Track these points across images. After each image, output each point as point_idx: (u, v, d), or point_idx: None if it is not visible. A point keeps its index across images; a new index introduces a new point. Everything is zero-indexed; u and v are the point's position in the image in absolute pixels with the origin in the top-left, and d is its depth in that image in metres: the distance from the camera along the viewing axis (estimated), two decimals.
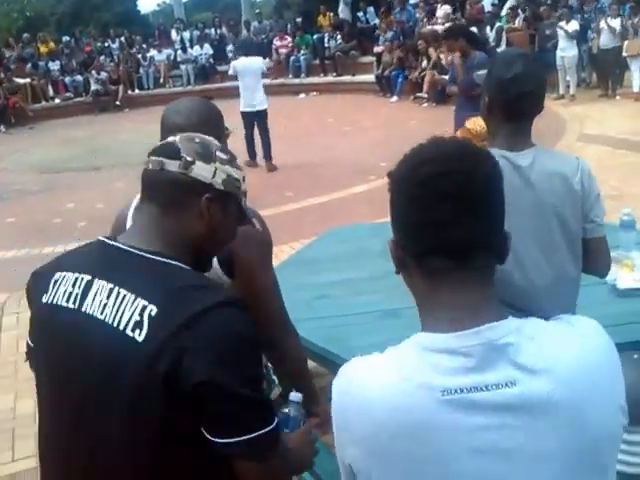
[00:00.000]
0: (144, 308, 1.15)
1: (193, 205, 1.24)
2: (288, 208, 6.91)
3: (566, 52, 11.36)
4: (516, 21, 13.63)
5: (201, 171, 1.25)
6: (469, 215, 0.93)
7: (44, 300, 1.26)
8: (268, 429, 1.16)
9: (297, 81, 16.50)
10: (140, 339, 1.13)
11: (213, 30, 18.83)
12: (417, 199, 0.95)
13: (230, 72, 9.02)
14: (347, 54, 16.16)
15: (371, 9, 16.81)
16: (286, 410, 1.51)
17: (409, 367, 0.92)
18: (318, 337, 2.49)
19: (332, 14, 17.34)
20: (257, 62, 8.71)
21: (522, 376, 0.89)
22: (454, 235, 0.93)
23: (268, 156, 8.65)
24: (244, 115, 8.54)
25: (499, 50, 13.10)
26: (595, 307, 1.82)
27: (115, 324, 1.17)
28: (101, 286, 1.21)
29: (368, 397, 0.93)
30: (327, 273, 3.18)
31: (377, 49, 15.05)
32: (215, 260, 1.57)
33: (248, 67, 8.46)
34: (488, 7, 14.70)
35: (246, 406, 1.14)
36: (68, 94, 16.32)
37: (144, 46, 17.87)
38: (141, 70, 17.16)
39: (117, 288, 1.19)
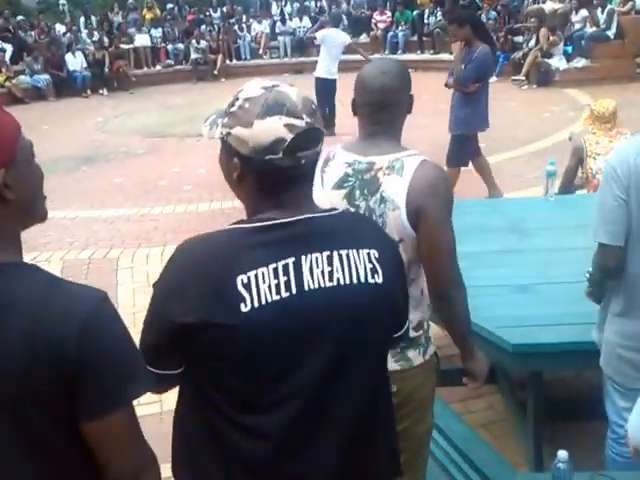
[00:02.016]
0: (369, 255, 1.25)
1: None
2: None
3: None
4: (626, 5, 13.02)
5: None
6: None
7: (244, 310, 1.16)
8: None
9: (393, 57, 16.29)
10: (380, 281, 1.25)
11: (313, 3, 18.85)
12: None
13: (318, 39, 9.37)
14: (446, 31, 15.78)
15: None
16: None
17: None
18: None
19: None
20: (344, 35, 9.45)
21: None
22: None
23: (334, 122, 8.89)
24: (322, 81, 8.95)
25: (608, 33, 12.56)
26: None
27: (355, 281, 1.24)
28: (314, 258, 1.21)
29: None
30: None
31: None
32: (403, 210, 1.63)
33: (336, 38, 9.08)
34: None
35: None
36: (169, 61, 16.70)
37: (244, 16, 18.06)
38: (239, 41, 17.35)
39: (335, 252, 1.23)
